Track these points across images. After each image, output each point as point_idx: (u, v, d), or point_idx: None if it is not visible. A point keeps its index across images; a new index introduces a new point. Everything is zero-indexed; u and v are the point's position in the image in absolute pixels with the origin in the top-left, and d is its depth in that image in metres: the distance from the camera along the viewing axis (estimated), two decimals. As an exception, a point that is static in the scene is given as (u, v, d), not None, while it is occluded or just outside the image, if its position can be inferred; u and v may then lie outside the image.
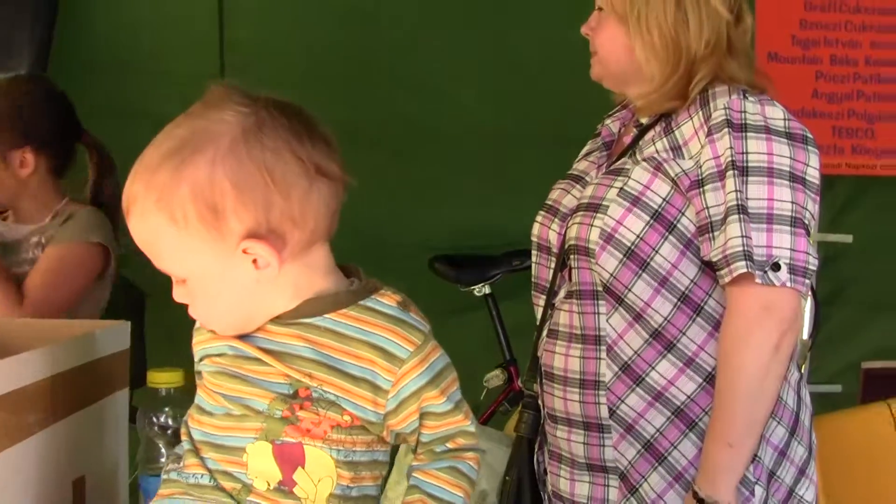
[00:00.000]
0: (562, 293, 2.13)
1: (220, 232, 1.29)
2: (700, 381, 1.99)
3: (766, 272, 1.87)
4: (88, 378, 1.66)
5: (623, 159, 2.08)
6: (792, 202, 1.91)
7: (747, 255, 1.87)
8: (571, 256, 2.09)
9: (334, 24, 3.95)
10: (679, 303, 1.99)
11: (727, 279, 1.89)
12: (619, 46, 2.08)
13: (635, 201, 1.99)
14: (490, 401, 3.45)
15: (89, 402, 1.66)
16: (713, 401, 1.95)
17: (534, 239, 2.26)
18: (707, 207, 1.94)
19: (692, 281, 1.99)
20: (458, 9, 3.84)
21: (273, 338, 1.34)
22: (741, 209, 1.89)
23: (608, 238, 1.99)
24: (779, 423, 2.01)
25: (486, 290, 3.49)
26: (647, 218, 1.98)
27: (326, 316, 1.34)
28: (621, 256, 1.99)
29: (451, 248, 3.65)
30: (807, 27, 3.98)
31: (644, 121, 2.11)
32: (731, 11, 2.04)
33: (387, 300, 1.38)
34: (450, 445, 1.37)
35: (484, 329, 3.52)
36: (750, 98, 1.97)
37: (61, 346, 1.59)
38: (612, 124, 2.27)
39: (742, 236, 1.88)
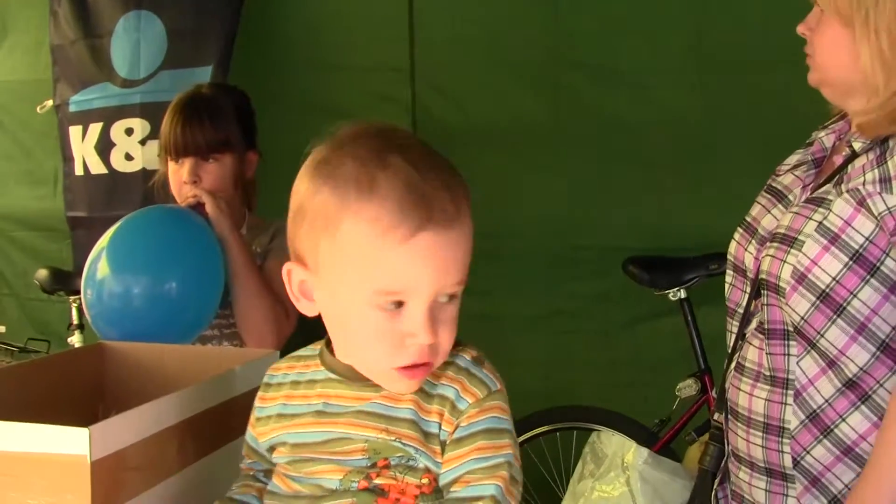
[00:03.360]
0: (754, 323, 1.98)
1: None
2: None
3: None
4: (223, 417, 1.68)
5: (826, 186, 1.90)
6: None
7: None
8: (763, 291, 1.94)
9: (526, 16, 3.85)
10: (878, 352, 1.81)
11: None
12: (842, 52, 1.86)
13: (834, 239, 1.82)
14: (682, 411, 3.28)
15: (227, 441, 1.68)
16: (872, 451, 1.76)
17: (729, 258, 2.11)
18: None
19: (895, 329, 1.81)
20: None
21: (345, 402, 1.37)
22: None
23: (801, 278, 1.84)
24: None
25: (682, 294, 3.30)
26: (846, 259, 1.80)
27: None
28: (814, 299, 1.83)
29: (647, 250, 3.49)
30: None
31: (857, 146, 1.89)
32: None
33: (465, 354, 1.37)
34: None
35: (678, 335, 3.35)
36: None
37: (193, 390, 1.63)
38: (825, 138, 2.07)
39: None
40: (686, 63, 3.65)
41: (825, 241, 1.81)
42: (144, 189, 4.05)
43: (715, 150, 3.59)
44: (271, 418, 1.42)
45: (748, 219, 2.07)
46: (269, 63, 4.13)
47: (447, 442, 1.32)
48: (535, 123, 3.86)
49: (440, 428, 1.32)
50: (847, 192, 1.82)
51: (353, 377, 1.36)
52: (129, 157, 4.35)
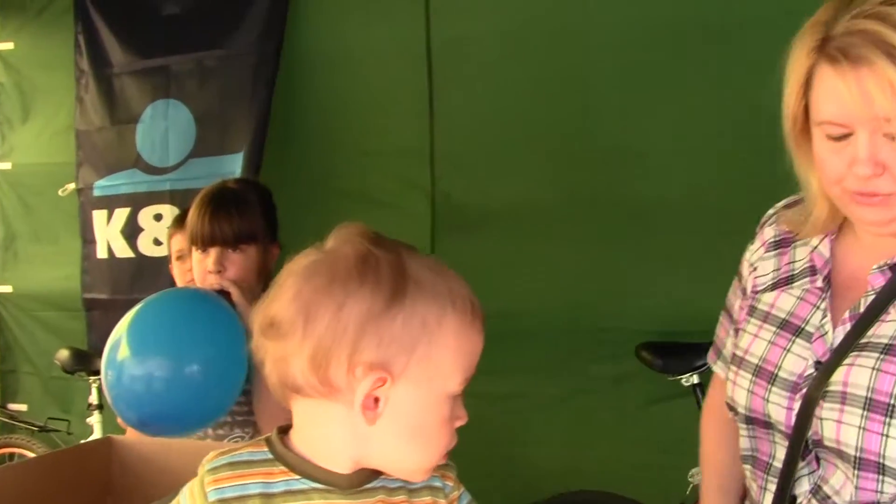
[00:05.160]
0: (806, 484, 1.70)
1: None
2: None
3: None
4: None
5: (891, 325, 1.63)
6: None
7: None
8: (836, 462, 1.65)
9: (546, 99, 3.91)
10: None
11: None
12: None
13: None
14: (696, 497, 3.28)
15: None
16: None
17: (739, 409, 1.82)
18: None
19: None
20: (669, 82, 3.72)
21: None
22: None
23: None
24: None
25: (695, 379, 3.32)
26: None
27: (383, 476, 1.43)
28: None
29: (664, 333, 3.51)
30: None
31: None
32: None
33: None
34: None
35: (691, 419, 3.36)
36: None
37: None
38: (822, 247, 1.79)
39: None
40: (707, 149, 3.67)
41: None
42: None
43: (731, 237, 3.59)
44: None
45: (751, 359, 1.80)
46: (293, 148, 4.21)
47: None
48: (555, 205, 3.91)
49: None
50: None
51: (344, 485, 1.36)
52: (157, 242, 4.43)
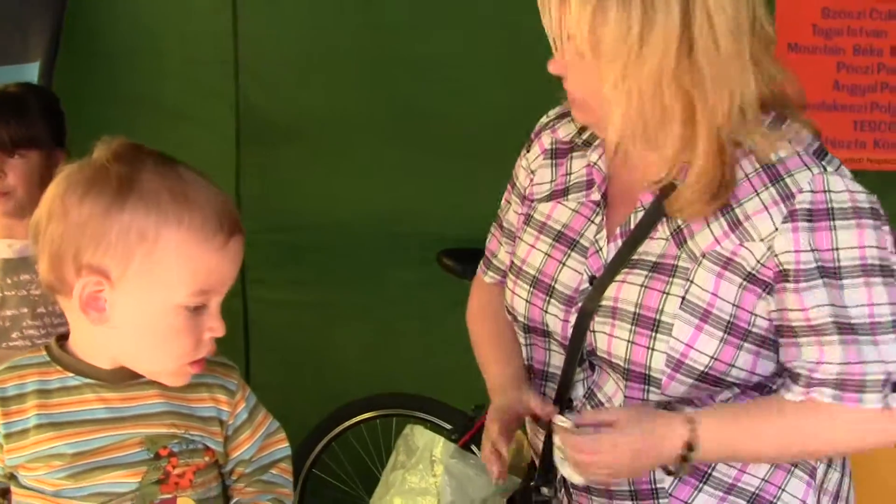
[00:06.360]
0: (580, 389, 1.79)
1: None
2: None
3: (887, 396, 1.60)
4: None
5: (659, 243, 1.71)
6: (891, 303, 1.59)
7: (874, 384, 1.59)
8: (608, 371, 1.75)
9: (348, 10, 3.93)
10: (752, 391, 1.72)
11: (854, 405, 1.60)
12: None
13: (705, 315, 1.64)
14: (482, 412, 3.35)
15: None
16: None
17: (518, 317, 1.87)
18: (789, 309, 1.62)
19: (768, 377, 1.72)
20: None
21: (117, 404, 1.45)
22: (843, 326, 1.58)
23: (677, 365, 1.65)
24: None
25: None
26: (721, 333, 1.64)
27: None
28: (693, 381, 1.66)
29: (465, 239, 3.60)
30: (829, 16, 3.77)
31: (664, 174, 1.68)
32: None
33: None
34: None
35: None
36: (829, 169, 1.62)
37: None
38: (601, 162, 1.81)
39: (861, 361, 1.58)
40: (501, 57, 3.75)
41: (696, 321, 1.64)
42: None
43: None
44: (28, 431, 1.45)
45: (529, 270, 1.85)
46: (93, 57, 4.07)
47: (232, 423, 1.52)
48: (359, 117, 3.94)
49: (218, 410, 1.50)
50: (705, 257, 1.65)
51: (114, 380, 1.46)
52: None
